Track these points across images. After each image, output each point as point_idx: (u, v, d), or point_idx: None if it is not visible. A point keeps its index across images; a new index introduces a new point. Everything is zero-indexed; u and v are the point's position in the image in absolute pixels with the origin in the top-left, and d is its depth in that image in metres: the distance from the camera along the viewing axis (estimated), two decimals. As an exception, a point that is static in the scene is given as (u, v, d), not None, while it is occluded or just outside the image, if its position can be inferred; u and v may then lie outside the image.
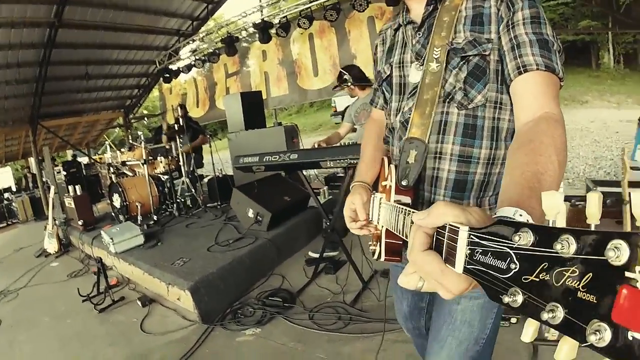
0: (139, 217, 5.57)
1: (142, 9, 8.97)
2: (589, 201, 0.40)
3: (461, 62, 1.04)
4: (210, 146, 6.47)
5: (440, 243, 0.58)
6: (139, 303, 3.93)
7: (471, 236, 0.51)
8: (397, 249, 1.09)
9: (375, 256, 1.15)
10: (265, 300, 3.53)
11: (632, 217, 0.34)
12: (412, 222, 0.65)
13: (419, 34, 1.14)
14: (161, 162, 6.16)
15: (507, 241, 0.45)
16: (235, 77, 9.32)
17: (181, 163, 6.09)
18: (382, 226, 1.08)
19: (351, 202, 1.26)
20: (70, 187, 6.52)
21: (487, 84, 1.03)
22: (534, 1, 0.97)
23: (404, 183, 1.11)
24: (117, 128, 15.98)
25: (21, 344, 3.71)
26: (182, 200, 6.25)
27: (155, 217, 5.73)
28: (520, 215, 0.56)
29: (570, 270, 0.37)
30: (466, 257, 0.52)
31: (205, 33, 9.49)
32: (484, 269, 0.48)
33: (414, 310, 1.51)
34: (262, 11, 8.01)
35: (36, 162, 11.62)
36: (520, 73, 0.93)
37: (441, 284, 0.57)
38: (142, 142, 5.77)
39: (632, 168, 4.45)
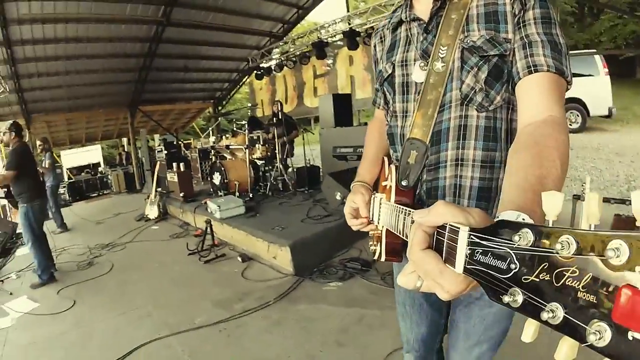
0: (237, 194, 6.40)
1: (239, 11, 9.99)
2: (589, 201, 0.40)
3: (480, 62, 1.00)
4: (303, 139, 7.25)
5: (441, 243, 0.58)
6: (239, 259, 4.73)
7: (471, 236, 0.51)
8: (397, 249, 1.08)
9: (376, 256, 1.15)
10: (347, 264, 4.22)
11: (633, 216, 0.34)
12: (412, 222, 0.65)
13: (427, 31, 1.10)
14: (258, 148, 6.98)
15: (507, 241, 0.45)
16: (323, 79, 10.12)
17: (277, 151, 6.88)
18: (383, 226, 1.08)
19: (352, 200, 1.26)
20: (175, 164, 7.51)
21: (504, 84, 1.00)
22: (545, 1, 0.96)
23: (404, 183, 1.10)
24: (199, 118, 17.35)
25: (135, 282, 4.59)
26: (275, 183, 7.05)
27: (251, 195, 6.54)
28: (523, 219, 0.55)
29: (570, 271, 0.37)
30: (466, 257, 0.52)
31: (296, 36, 10.32)
32: (484, 269, 0.48)
33: (432, 328, 1.44)
34: (349, 21, 8.69)
35: (132, 141, 12.98)
36: (530, 72, 0.91)
37: (439, 284, 0.58)
38: (246, 130, 6.61)
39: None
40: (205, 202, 6.18)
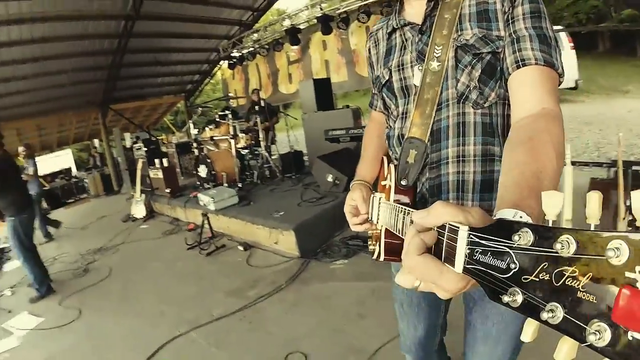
0: (225, 184, 6.44)
1: (208, 1, 9.87)
2: (589, 201, 0.40)
3: (474, 60, 1.01)
4: (286, 124, 7.33)
5: (440, 242, 0.58)
6: (241, 248, 4.82)
7: (471, 236, 0.51)
8: (396, 248, 1.05)
9: (375, 256, 1.15)
10: (348, 242, 4.39)
11: (633, 216, 0.35)
12: (411, 222, 0.65)
13: (422, 32, 1.11)
14: (242, 137, 7.03)
15: (506, 241, 0.45)
16: (297, 65, 10.13)
17: (260, 139, 6.96)
18: (382, 226, 1.08)
19: (351, 198, 1.28)
20: (157, 160, 7.45)
21: (498, 81, 1.01)
22: None
23: (403, 183, 1.10)
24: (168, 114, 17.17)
25: (139, 282, 4.58)
26: (262, 170, 7.13)
27: (240, 185, 6.60)
28: (520, 217, 0.56)
29: (570, 270, 0.37)
30: (466, 256, 0.52)
31: (267, 23, 10.29)
32: (483, 269, 0.48)
33: (430, 330, 1.44)
34: (320, 6, 8.72)
35: (106, 142, 12.74)
36: (518, 67, 0.92)
37: (439, 285, 0.57)
38: (230, 120, 6.63)
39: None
40: (195, 196, 6.21)
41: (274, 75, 10.87)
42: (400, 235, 0.86)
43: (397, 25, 1.18)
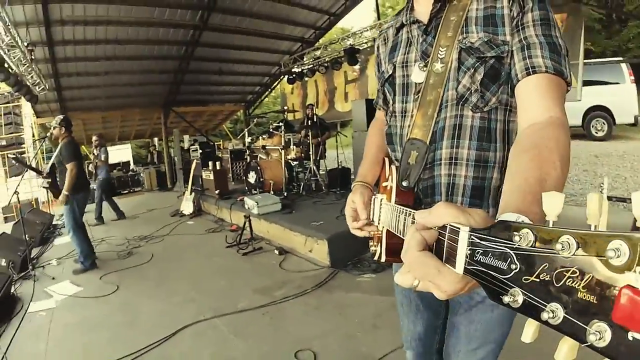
0: (271, 192, 6.68)
1: (272, 17, 10.36)
2: (589, 201, 0.40)
3: (477, 63, 1.00)
4: (337, 141, 7.52)
5: (441, 243, 0.58)
6: (276, 252, 5.00)
7: (472, 237, 0.51)
8: (397, 249, 0.96)
9: (376, 257, 1.15)
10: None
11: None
12: (412, 222, 0.65)
13: (427, 33, 1.11)
14: (293, 149, 7.30)
15: (507, 242, 0.45)
16: (354, 84, 10.36)
17: (310, 152, 7.20)
18: (383, 227, 1.08)
19: (352, 200, 1.25)
20: (210, 163, 7.86)
21: (500, 86, 1.00)
22: (544, 3, 0.96)
23: (404, 184, 1.10)
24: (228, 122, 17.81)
25: (176, 271, 4.86)
26: (308, 183, 7.35)
27: (285, 194, 6.80)
28: (522, 221, 0.54)
29: (571, 271, 0.37)
30: (467, 257, 0.52)
31: (328, 42, 10.63)
32: (484, 270, 0.48)
33: (429, 329, 1.43)
34: (379, 28, 8.93)
35: (165, 141, 13.42)
36: (528, 74, 0.91)
37: (436, 285, 0.58)
38: (282, 131, 6.92)
39: None
40: (242, 199, 6.50)
41: (331, 92, 11.16)
42: (401, 236, 0.86)
43: (406, 21, 1.18)
